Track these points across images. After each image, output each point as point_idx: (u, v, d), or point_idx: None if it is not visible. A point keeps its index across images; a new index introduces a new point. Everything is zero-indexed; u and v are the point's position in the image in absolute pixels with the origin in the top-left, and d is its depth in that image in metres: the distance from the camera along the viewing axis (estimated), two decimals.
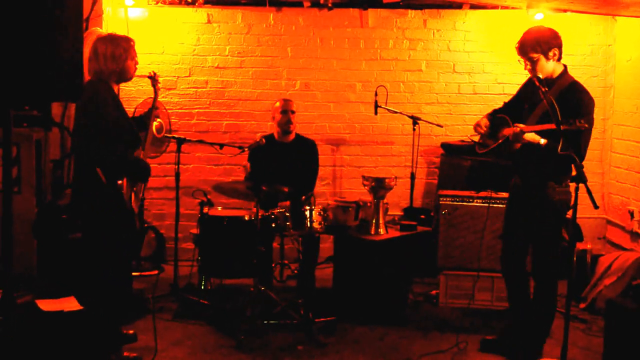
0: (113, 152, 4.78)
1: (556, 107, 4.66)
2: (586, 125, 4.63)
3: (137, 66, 5.10)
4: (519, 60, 5.11)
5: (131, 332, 5.47)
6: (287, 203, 6.08)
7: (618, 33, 8.14)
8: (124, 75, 5.00)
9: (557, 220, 5.18)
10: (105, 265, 4.93)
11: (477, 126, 5.41)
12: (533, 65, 5.00)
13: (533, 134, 4.92)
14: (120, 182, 4.83)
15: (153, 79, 5.61)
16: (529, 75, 5.18)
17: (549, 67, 5.02)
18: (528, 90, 5.27)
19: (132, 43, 5.05)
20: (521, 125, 4.95)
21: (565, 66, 5.11)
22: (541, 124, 4.91)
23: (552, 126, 4.69)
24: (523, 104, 5.28)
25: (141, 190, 5.18)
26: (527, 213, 5.18)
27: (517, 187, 5.31)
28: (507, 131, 5.08)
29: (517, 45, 5.09)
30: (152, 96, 5.58)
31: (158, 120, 5.79)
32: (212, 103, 8.08)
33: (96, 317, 4.71)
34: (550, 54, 4.98)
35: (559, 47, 5.03)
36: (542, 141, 4.88)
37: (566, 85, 5.00)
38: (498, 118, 5.34)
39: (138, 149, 5.07)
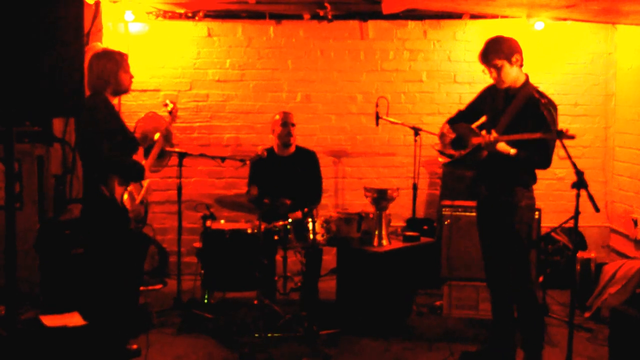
0: (103, 152, 4.90)
1: (547, 117, 4.70)
2: (574, 136, 4.62)
3: (132, 79, 5.25)
4: (483, 71, 5.12)
5: (135, 346, 5.46)
6: (299, 214, 6.09)
7: (619, 41, 8.15)
8: (119, 88, 5.16)
9: (528, 225, 5.14)
10: (107, 279, 4.95)
11: (442, 135, 5.37)
12: (498, 72, 5.01)
13: (504, 143, 4.94)
14: (110, 181, 4.94)
15: (172, 110, 5.96)
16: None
17: (512, 73, 5.02)
18: (487, 100, 5.29)
19: (125, 57, 5.21)
20: (494, 134, 4.94)
21: (527, 75, 5.12)
22: (512, 134, 4.91)
23: (533, 135, 4.73)
24: (480, 113, 5.26)
25: (140, 196, 5.20)
26: (497, 221, 5.15)
27: (483, 197, 5.27)
28: (478, 139, 5.06)
29: (479, 55, 5.09)
30: (156, 111, 5.75)
31: (159, 134, 5.82)
32: (213, 116, 8.09)
33: (100, 332, 4.71)
34: (513, 59, 4.99)
35: (520, 52, 5.03)
36: (512, 151, 4.91)
37: (529, 93, 4.96)
38: (461, 127, 5.29)
39: (137, 156, 5.20)
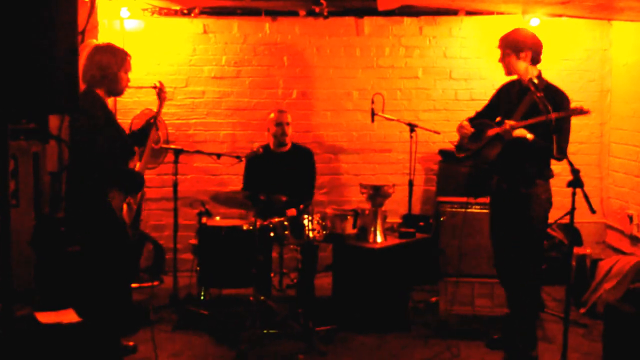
0: (103, 164, 4.80)
1: (547, 104, 4.79)
2: (585, 109, 4.80)
3: (129, 82, 5.18)
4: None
5: (131, 343, 5.46)
6: (293, 211, 6.10)
7: (614, 37, 8.16)
8: (114, 86, 5.06)
9: (545, 218, 5.26)
10: (102, 277, 4.94)
11: (461, 127, 5.46)
12: (504, 60, 5.20)
13: (521, 129, 5.03)
14: (111, 194, 4.84)
15: (160, 90, 5.63)
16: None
17: (519, 67, 5.16)
18: (502, 97, 5.44)
19: (128, 57, 5.12)
20: (511, 122, 5.05)
21: (539, 70, 5.20)
22: (529, 129, 5.01)
23: (542, 118, 4.81)
24: (497, 112, 5.35)
25: (136, 201, 5.17)
26: (515, 214, 5.21)
27: (502, 191, 5.32)
28: (493, 130, 5.15)
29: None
30: (152, 108, 5.61)
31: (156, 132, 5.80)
32: (209, 113, 8.08)
33: (95, 329, 4.70)
34: (522, 54, 5.12)
35: (534, 50, 5.15)
36: (529, 136, 5.00)
37: (543, 88, 5.05)
38: (478, 124, 5.40)
39: (133, 160, 5.09)
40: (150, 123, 5.48)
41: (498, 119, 5.24)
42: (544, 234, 5.28)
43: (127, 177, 5.00)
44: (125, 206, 4.96)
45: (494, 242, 5.46)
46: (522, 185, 5.16)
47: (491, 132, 5.21)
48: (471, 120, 5.52)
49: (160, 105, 5.65)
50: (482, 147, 5.29)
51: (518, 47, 5.12)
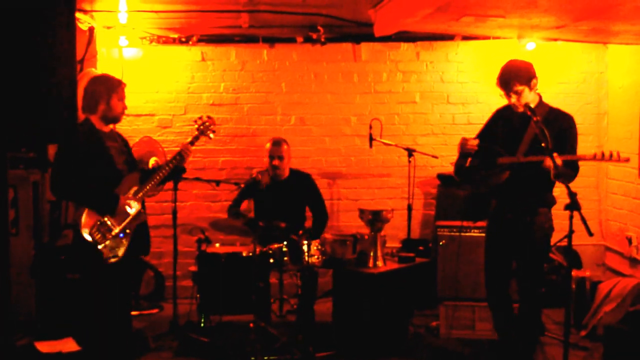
0: (65, 182, 4.87)
1: (546, 133, 4.78)
2: (627, 159, 4.98)
3: (124, 110, 5.18)
4: (500, 95, 5.20)
5: None
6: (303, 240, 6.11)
7: (610, 60, 8.21)
8: (109, 114, 5.07)
9: (548, 245, 5.33)
10: (100, 305, 4.92)
11: (466, 142, 5.33)
12: (518, 97, 5.10)
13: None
14: (78, 212, 4.87)
15: (201, 129, 5.62)
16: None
17: (530, 97, 5.14)
18: (499, 123, 5.41)
19: (122, 85, 5.17)
20: (555, 154, 4.85)
21: (539, 95, 5.23)
22: (537, 155, 4.97)
23: (586, 157, 4.94)
24: (494, 136, 5.36)
25: (127, 226, 5.06)
26: (518, 241, 5.21)
27: (505, 218, 5.30)
28: (505, 160, 5.14)
29: (499, 81, 5.18)
30: (151, 136, 5.61)
31: (154, 159, 5.80)
32: (208, 140, 8.07)
33: (95, 358, 4.69)
34: (532, 83, 5.12)
35: (536, 76, 5.16)
36: (559, 161, 4.90)
37: (547, 111, 5.13)
38: (484, 147, 5.33)
39: (127, 185, 5.06)
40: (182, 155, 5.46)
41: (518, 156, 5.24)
42: (545, 260, 5.29)
43: (98, 197, 4.97)
44: (97, 224, 4.90)
45: (490, 266, 5.44)
46: (528, 213, 5.17)
47: (504, 160, 5.19)
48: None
49: (197, 138, 5.61)
50: (493, 173, 5.26)
51: (529, 77, 5.11)
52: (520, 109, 5.13)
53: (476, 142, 5.31)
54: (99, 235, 4.87)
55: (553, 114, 5.16)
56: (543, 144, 4.82)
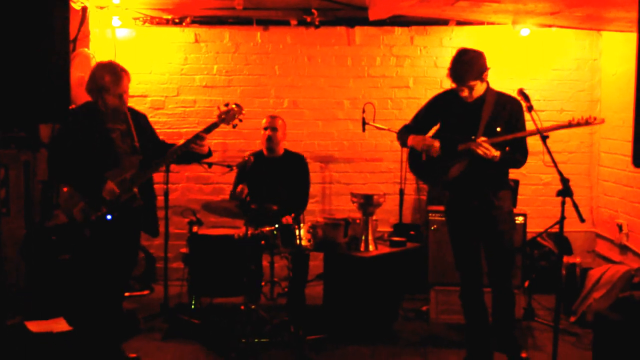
0: (57, 161, 4.93)
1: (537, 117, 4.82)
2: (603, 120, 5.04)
3: (127, 100, 5.25)
4: (454, 88, 5.14)
5: (133, 355, 5.43)
6: (289, 220, 6.09)
7: (603, 47, 8.21)
8: (109, 102, 5.07)
9: (514, 224, 5.45)
10: (93, 285, 4.92)
11: (431, 146, 5.22)
12: (470, 90, 5.07)
13: (490, 146, 5.00)
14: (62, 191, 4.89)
15: (223, 116, 5.33)
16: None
17: (482, 88, 5.12)
18: (439, 109, 5.35)
19: (125, 77, 5.19)
20: (483, 138, 5.00)
21: (487, 81, 5.18)
22: (497, 136, 5.00)
23: (533, 132, 4.86)
24: (435, 120, 5.36)
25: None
26: (485, 226, 5.20)
27: (469, 206, 5.24)
28: (464, 146, 5.09)
29: (450, 72, 5.10)
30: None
31: None
32: (200, 122, 8.07)
33: (86, 338, 4.70)
34: (484, 75, 5.09)
35: (488, 67, 5.11)
36: (497, 154, 4.98)
37: (496, 96, 5.14)
38: (445, 138, 5.24)
39: (119, 170, 5.04)
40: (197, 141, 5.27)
41: (434, 128, 5.32)
42: (513, 240, 5.30)
43: (84, 179, 4.97)
44: (81, 205, 4.91)
45: (461, 253, 5.39)
46: (494, 197, 5.15)
47: (462, 147, 5.12)
48: (409, 128, 5.44)
49: (215, 125, 5.33)
50: (452, 162, 5.21)
51: (482, 71, 5.05)
52: (470, 100, 5.10)
53: (438, 145, 5.22)
54: (82, 216, 4.88)
55: (502, 98, 5.14)
56: (498, 129, 4.97)
